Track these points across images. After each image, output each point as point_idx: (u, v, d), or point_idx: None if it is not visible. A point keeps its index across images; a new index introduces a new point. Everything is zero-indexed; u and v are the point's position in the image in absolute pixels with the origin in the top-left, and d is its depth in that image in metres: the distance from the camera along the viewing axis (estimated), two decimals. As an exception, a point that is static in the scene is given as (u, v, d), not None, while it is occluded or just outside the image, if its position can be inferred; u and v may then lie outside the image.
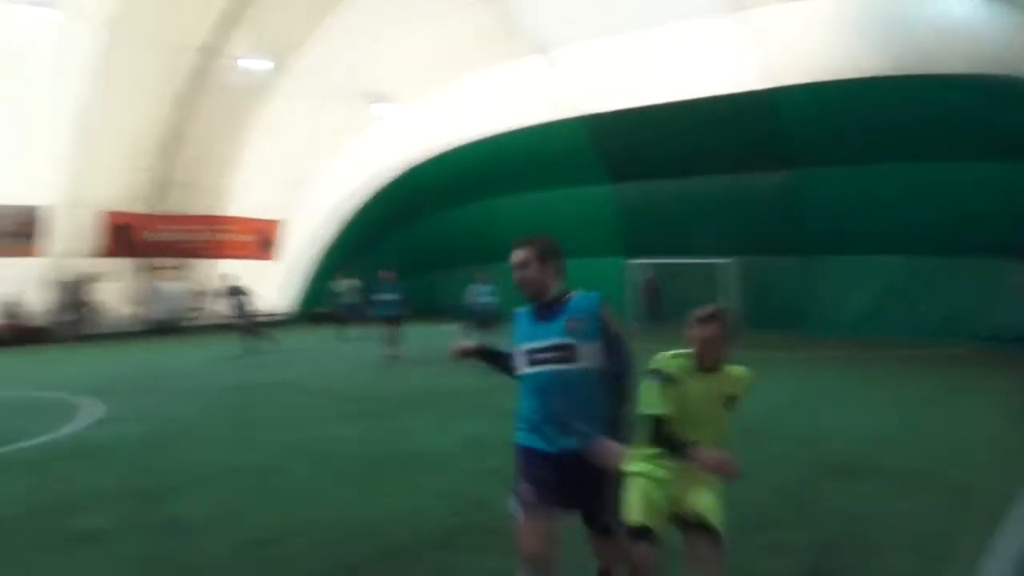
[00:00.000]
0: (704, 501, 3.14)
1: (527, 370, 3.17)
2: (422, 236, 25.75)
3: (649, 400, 3.13)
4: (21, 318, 18.39)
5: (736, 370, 3.27)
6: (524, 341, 3.19)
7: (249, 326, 16.07)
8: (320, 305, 24.22)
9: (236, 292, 16.29)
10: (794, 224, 18.90)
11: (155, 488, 5.83)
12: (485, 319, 14.63)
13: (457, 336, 14.48)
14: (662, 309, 19.98)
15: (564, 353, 3.06)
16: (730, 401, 3.24)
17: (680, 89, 18.58)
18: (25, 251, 18.29)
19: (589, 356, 3.07)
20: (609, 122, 20.27)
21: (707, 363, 3.16)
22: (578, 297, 3.18)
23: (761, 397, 9.94)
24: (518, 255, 3.22)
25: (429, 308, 24.82)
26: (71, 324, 18.94)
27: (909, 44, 15.17)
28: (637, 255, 21.83)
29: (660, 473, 3.15)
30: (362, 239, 24.68)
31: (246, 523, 5.02)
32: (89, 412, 8.96)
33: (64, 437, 7.69)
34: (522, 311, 3.29)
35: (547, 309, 3.15)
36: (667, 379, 3.14)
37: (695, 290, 18.76)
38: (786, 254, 19.35)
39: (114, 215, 19.85)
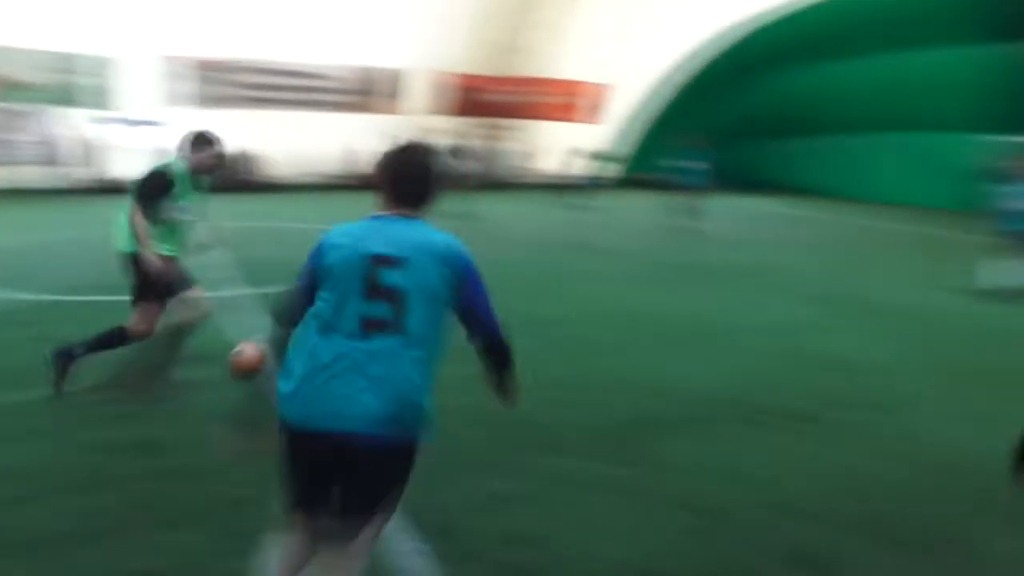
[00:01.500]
0: None
1: None
2: (758, 102, 24.05)
3: None
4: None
5: None
6: None
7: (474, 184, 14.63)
8: (646, 171, 24.21)
9: (456, 152, 15.53)
10: None
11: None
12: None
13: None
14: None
15: None
16: None
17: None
18: (388, 109, 20.84)
19: None
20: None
21: None
22: None
23: None
24: None
25: (754, 181, 23.65)
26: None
27: None
28: (1009, 132, 18.20)
29: None
30: (694, 104, 23.88)
31: (542, 371, 5.29)
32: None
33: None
34: None
35: None
36: None
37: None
38: None
39: (462, 77, 21.64)
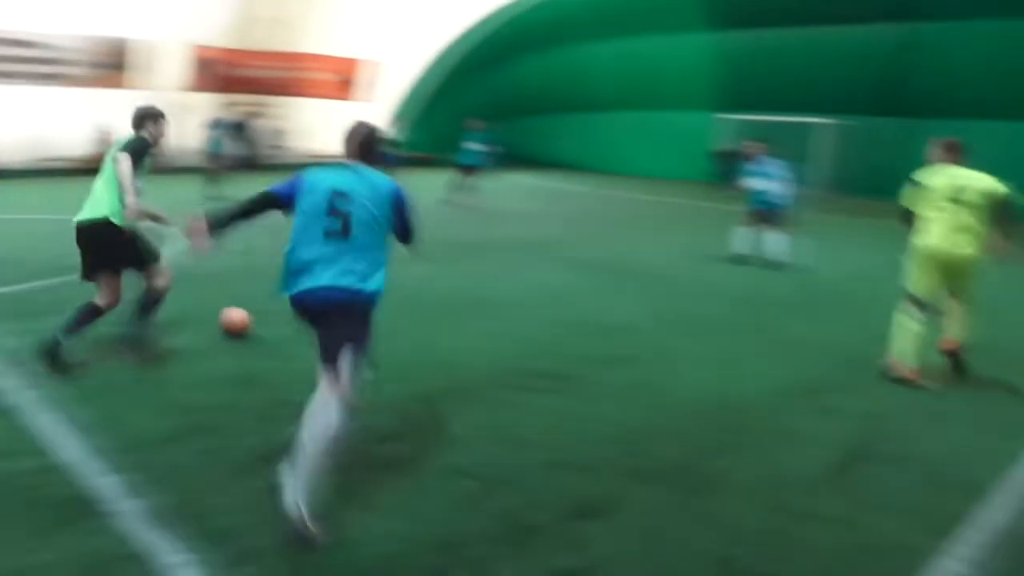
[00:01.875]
0: None
1: None
2: (514, 82, 25.01)
3: None
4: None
5: None
6: None
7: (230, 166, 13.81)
8: (421, 151, 24.21)
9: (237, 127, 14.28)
10: (902, 82, 17.39)
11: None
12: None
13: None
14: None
15: None
16: None
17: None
18: (114, 82, 18.54)
19: None
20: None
21: None
22: None
23: (844, 265, 9.70)
24: None
25: (515, 157, 24.61)
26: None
27: None
28: (731, 110, 20.76)
29: None
30: (453, 83, 24.21)
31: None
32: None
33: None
34: None
35: None
36: None
37: (790, 150, 17.87)
38: (889, 115, 18.00)
39: (202, 49, 19.97)
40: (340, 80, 22.61)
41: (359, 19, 21.32)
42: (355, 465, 3.56)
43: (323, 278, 3.18)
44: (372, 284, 3.25)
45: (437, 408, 4.42)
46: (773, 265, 9.29)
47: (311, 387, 3.23)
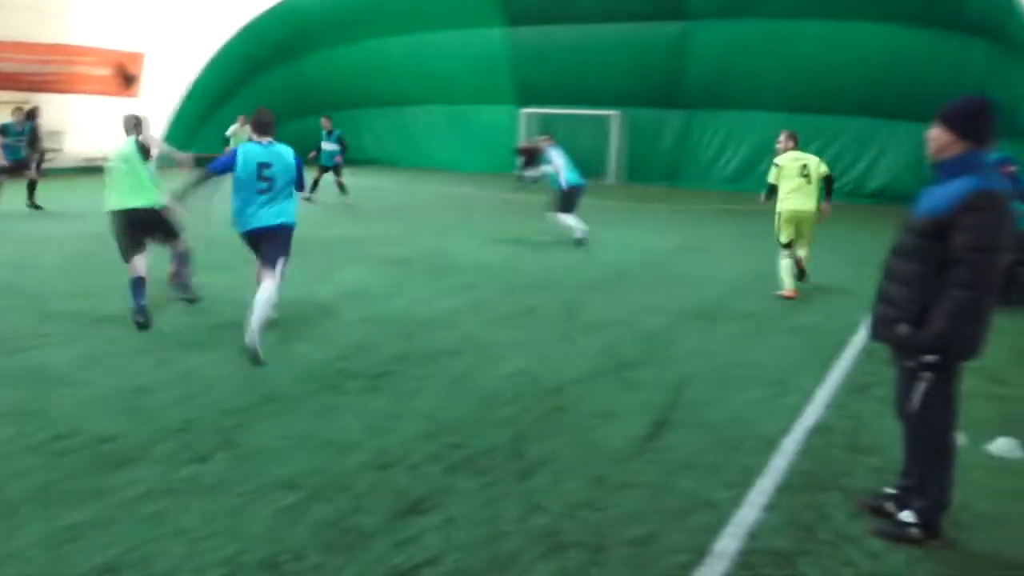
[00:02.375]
0: None
1: None
2: (311, 77, 24.14)
3: None
4: None
5: None
6: None
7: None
8: (193, 150, 22.75)
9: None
10: (680, 77, 18.99)
11: (15, 339, 5.56)
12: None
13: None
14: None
15: None
16: None
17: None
18: None
19: None
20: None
21: None
22: None
23: (636, 249, 10.39)
24: None
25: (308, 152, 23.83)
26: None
27: None
28: (529, 104, 21.52)
29: None
30: (241, 78, 22.89)
31: (111, 375, 4.90)
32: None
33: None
34: None
35: None
36: None
37: (585, 142, 18.89)
38: (671, 107, 19.59)
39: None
40: (113, 74, 20.50)
41: (129, 9, 19.46)
42: (157, 492, 3.29)
43: (264, 219, 5.35)
44: (291, 218, 5.52)
45: (252, 423, 4.17)
46: (577, 245, 9.86)
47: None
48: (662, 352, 5.71)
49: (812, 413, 4.54)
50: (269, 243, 5.36)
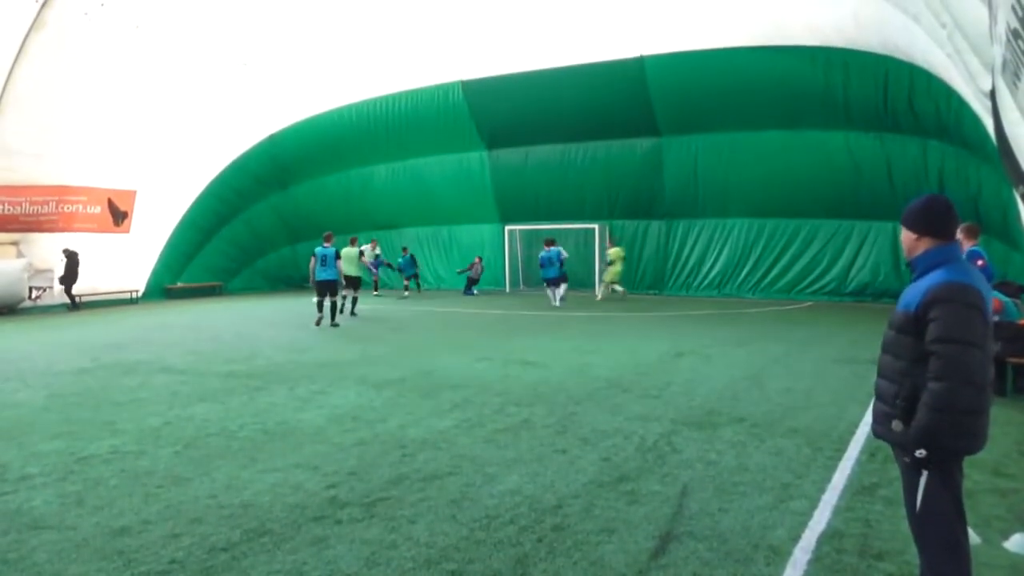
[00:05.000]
0: None
1: None
2: (295, 204, 24.84)
3: None
4: None
5: None
6: None
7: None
8: (182, 280, 23.00)
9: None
10: (656, 189, 19.70)
11: (-4, 482, 5.38)
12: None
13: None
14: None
15: None
16: None
17: (552, 56, 18.82)
18: None
19: None
20: (482, 87, 20.24)
21: None
22: None
23: (627, 357, 10.38)
24: None
25: (300, 277, 24.15)
26: None
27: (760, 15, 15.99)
28: (513, 221, 22.11)
29: None
30: (230, 208, 23.48)
31: (103, 513, 4.72)
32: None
33: None
34: None
35: None
36: None
37: (570, 254, 19.28)
38: (650, 218, 20.20)
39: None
40: (104, 212, 20.94)
41: (123, 149, 20.12)
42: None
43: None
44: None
45: (241, 560, 3.99)
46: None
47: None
48: (661, 461, 5.59)
49: (820, 518, 4.41)
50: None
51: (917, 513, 2.93)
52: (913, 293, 2.95)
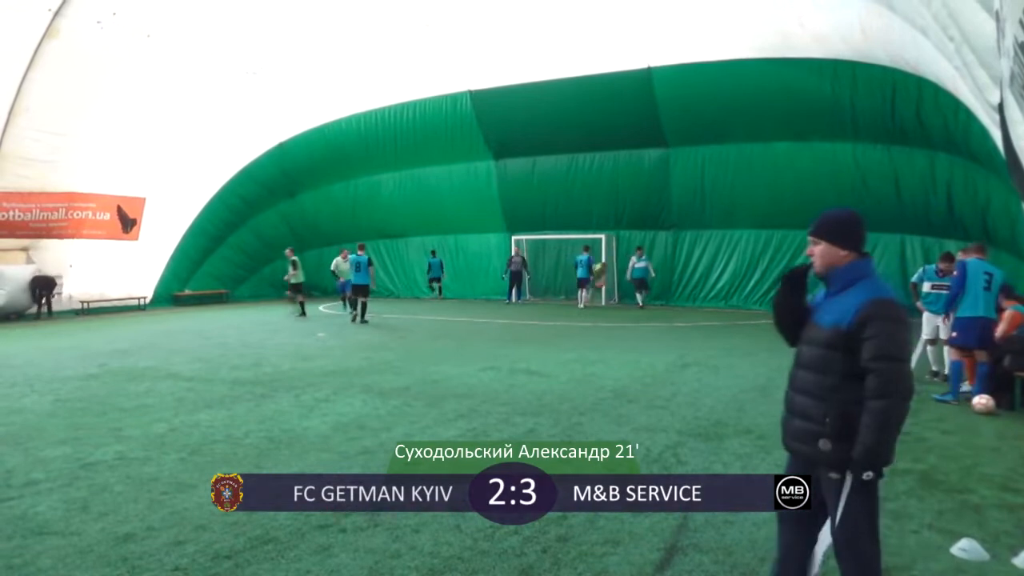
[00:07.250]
0: None
1: None
2: (303, 212, 24.94)
3: None
4: None
5: None
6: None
7: None
8: (189, 287, 23.08)
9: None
10: (664, 200, 19.72)
11: (1, 487, 5.39)
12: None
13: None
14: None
15: None
16: None
17: (560, 66, 18.90)
18: None
19: None
20: (491, 98, 20.33)
21: None
22: None
23: (634, 367, 10.35)
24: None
25: (310, 286, 24.19)
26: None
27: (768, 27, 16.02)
28: (519, 231, 22.14)
29: None
30: (238, 216, 23.59)
31: (107, 519, 4.73)
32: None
33: None
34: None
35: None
36: None
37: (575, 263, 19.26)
38: (657, 229, 20.21)
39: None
40: (116, 219, 21.07)
41: (132, 156, 20.25)
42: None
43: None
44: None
45: (245, 568, 3.99)
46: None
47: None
48: (667, 472, 5.56)
49: (825, 531, 4.37)
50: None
51: (841, 531, 2.89)
52: (841, 309, 2.88)
